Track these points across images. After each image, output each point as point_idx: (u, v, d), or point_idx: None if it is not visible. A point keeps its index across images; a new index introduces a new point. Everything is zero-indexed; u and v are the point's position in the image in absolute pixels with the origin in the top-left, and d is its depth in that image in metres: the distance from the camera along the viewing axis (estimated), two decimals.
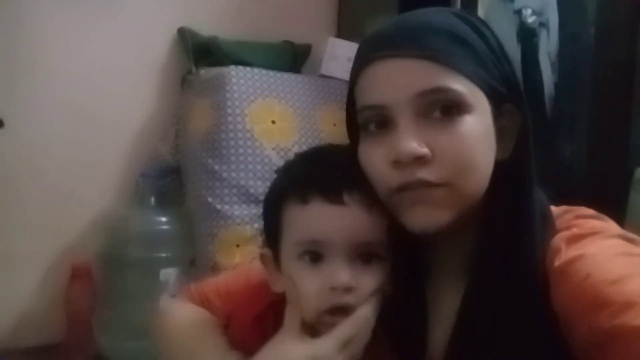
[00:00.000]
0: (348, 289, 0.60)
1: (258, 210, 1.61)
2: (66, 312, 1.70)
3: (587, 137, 1.72)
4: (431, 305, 0.68)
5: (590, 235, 0.59)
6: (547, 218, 0.64)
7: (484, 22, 0.63)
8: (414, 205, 0.58)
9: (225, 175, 1.66)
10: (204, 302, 0.81)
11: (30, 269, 1.78)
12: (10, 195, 1.75)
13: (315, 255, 0.62)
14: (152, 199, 1.77)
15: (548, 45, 2.03)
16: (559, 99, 1.87)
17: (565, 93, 1.87)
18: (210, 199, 1.66)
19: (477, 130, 0.58)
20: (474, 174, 0.59)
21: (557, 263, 0.58)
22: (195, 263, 1.78)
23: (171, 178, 1.87)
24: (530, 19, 1.99)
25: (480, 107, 0.59)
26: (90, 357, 1.67)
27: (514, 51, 1.94)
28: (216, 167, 1.67)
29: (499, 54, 0.61)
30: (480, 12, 1.83)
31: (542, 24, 2.02)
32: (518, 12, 1.98)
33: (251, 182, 1.66)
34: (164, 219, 1.75)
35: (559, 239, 0.60)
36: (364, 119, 0.62)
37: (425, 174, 0.57)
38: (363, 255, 0.62)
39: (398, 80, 0.57)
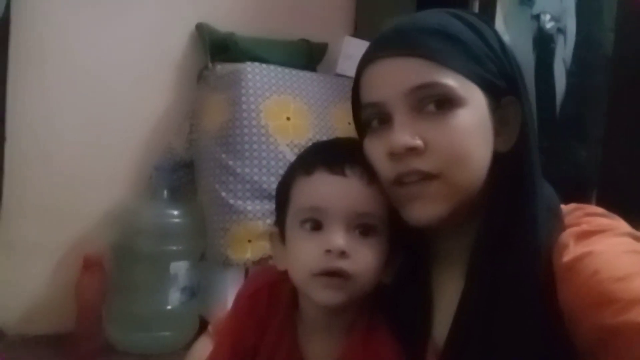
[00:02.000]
0: (342, 254, 0.63)
1: (271, 206, 1.62)
2: (77, 302, 1.70)
3: (602, 141, 1.72)
4: (435, 293, 0.71)
5: (600, 232, 0.60)
6: (555, 213, 0.65)
7: (484, 21, 0.67)
8: (410, 200, 0.62)
9: (239, 170, 1.66)
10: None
11: (43, 258, 1.80)
12: (24, 185, 1.77)
13: (315, 223, 0.65)
14: (165, 192, 1.78)
15: (564, 52, 2.02)
16: (573, 103, 1.86)
17: (580, 98, 1.87)
18: (223, 194, 1.67)
19: (470, 123, 0.62)
20: (467, 165, 0.62)
21: (564, 259, 0.59)
22: (205, 257, 1.78)
23: (184, 172, 1.87)
24: (549, 25, 1.99)
25: (473, 100, 0.62)
26: (99, 347, 1.68)
27: (529, 56, 1.93)
28: (230, 162, 1.67)
29: (498, 50, 0.65)
30: (499, 16, 1.83)
31: (560, 30, 2.01)
32: (536, 17, 1.97)
33: (264, 178, 1.66)
34: (175, 213, 1.76)
35: (567, 235, 0.61)
36: (366, 116, 0.67)
37: (418, 164, 0.61)
38: (361, 227, 0.65)
39: (393, 78, 0.63)
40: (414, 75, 0.61)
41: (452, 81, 0.61)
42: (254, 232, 1.64)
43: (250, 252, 1.64)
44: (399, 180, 0.62)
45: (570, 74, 1.90)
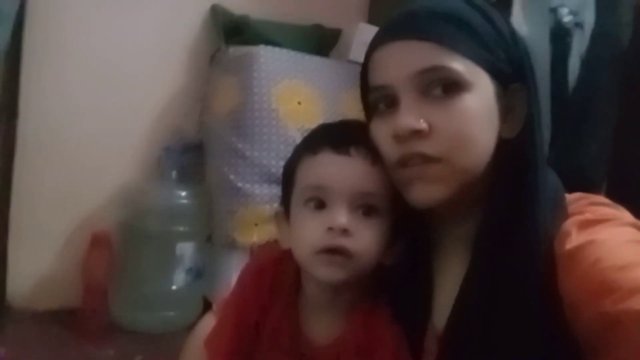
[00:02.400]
0: (344, 232, 0.63)
1: (279, 190, 1.61)
2: (84, 279, 1.72)
3: (612, 135, 1.70)
4: (437, 277, 0.71)
5: (603, 221, 0.60)
6: (559, 201, 0.65)
7: (495, 9, 0.66)
8: (412, 181, 0.62)
9: (248, 153, 1.67)
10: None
11: (52, 234, 1.82)
12: (37, 162, 1.78)
13: (319, 202, 0.66)
14: (174, 173, 1.79)
15: (580, 46, 1.99)
16: (585, 97, 1.84)
17: (592, 91, 1.84)
18: (232, 177, 1.67)
19: (476, 108, 0.61)
20: (470, 149, 0.62)
21: (567, 247, 0.59)
22: (211, 239, 1.79)
23: (193, 154, 1.88)
24: (566, 19, 1.96)
25: (480, 85, 0.62)
26: (103, 323, 1.70)
27: (545, 49, 1.91)
28: (239, 145, 1.67)
29: (507, 36, 0.65)
30: (516, 7, 1.81)
31: (578, 24, 1.98)
32: (554, 10, 1.94)
33: (273, 162, 1.66)
34: (183, 194, 1.76)
35: (570, 223, 0.61)
36: (374, 99, 0.67)
37: (422, 147, 0.61)
38: (364, 207, 0.65)
39: (399, 61, 0.63)
40: (422, 59, 0.61)
41: (460, 65, 0.61)
42: (261, 215, 1.65)
43: (256, 236, 1.65)
44: (402, 162, 0.63)
45: (583, 67, 1.88)
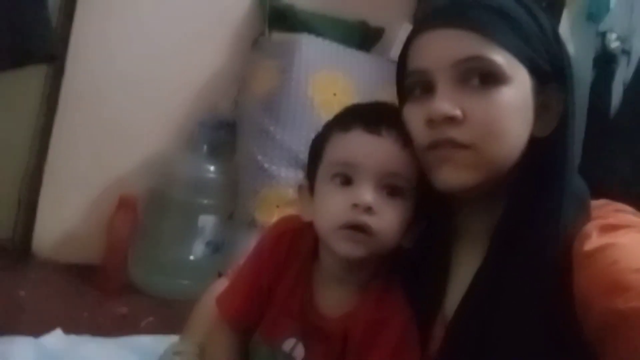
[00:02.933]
0: (368, 210, 0.64)
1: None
2: (107, 238, 1.78)
3: None
4: (453, 266, 0.72)
5: (625, 227, 0.60)
6: (583, 204, 0.65)
7: (541, 7, 0.67)
8: (441, 163, 0.63)
9: (278, 136, 1.70)
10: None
11: (82, 191, 1.88)
12: (76, 120, 1.85)
13: (345, 178, 0.66)
14: (205, 147, 1.83)
15: (626, 73, 1.96)
16: (623, 115, 1.81)
17: (630, 110, 1.82)
18: (259, 157, 1.71)
19: (512, 101, 0.62)
20: (501, 141, 0.62)
21: (585, 248, 0.59)
22: (233, 217, 1.83)
23: (226, 131, 1.92)
24: (614, 44, 1.92)
25: (519, 80, 0.62)
26: (121, 282, 1.76)
27: (587, 72, 1.89)
28: (271, 128, 1.71)
29: (550, 36, 0.65)
30: (564, 27, 1.79)
31: (625, 51, 1.95)
32: (602, 35, 1.91)
33: (302, 148, 1.69)
34: (212, 168, 1.81)
35: (592, 226, 0.61)
36: (410, 83, 0.67)
37: (454, 133, 0.61)
38: (389, 187, 0.66)
39: (441, 48, 0.63)
40: (463, 48, 0.61)
41: (500, 58, 0.61)
42: (283, 197, 1.67)
43: (276, 217, 1.67)
44: (432, 147, 0.63)
45: (626, 90, 1.85)
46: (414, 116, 0.65)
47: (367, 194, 0.64)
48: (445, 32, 0.63)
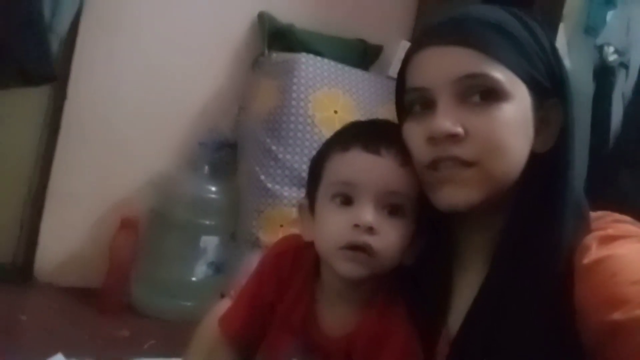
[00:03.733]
0: (370, 230, 0.64)
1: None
2: (109, 259, 1.77)
3: None
4: (456, 282, 0.71)
5: (624, 237, 0.60)
6: (582, 217, 0.65)
7: (538, 22, 0.67)
8: (443, 183, 0.62)
9: (280, 156, 1.70)
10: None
11: (84, 213, 1.88)
12: (77, 142, 1.85)
13: (346, 198, 0.66)
14: (206, 167, 1.84)
15: (625, 86, 1.97)
16: (624, 132, 1.81)
17: (631, 128, 1.82)
18: (262, 177, 1.71)
19: (513, 117, 0.62)
20: (504, 158, 0.62)
21: (585, 260, 0.59)
22: (235, 237, 1.82)
23: (227, 151, 1.93)
24: (611, 57, 1.94)
25: (519, 96, 0.62)
26: (122, 305, 1.74)
27: (588, 85, 1.90)
28: (273, 147, 1.71)
29: (549, 51, 0.65)
30: (561, 41, 1.80)
31: (623, 64, 1.96)
32: (600, 48, 1.93)
33: (304, 167, 1.69)
34: (213, 189, 1.81)
35: (591, 238, 0.61)
36: (410, 100, 0.67)
37: (456, 151, 0.61)
38: (390, 206, 0.66)
39: (440, 65, 0.62)
40: (464, 65, 0.61)
41: (500, 74, 0.61)
42: (287, 217, 1.67)
43: (280, 237, 1.67)
44: (434, 165, 0.63)
45: (628, 104, 1.86)
46: (414, 134, 0.65)
47: (368, 214, 0.64)
48: (445, 49, 0.63)
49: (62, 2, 1.57)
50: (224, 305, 0.84)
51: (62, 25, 1.60)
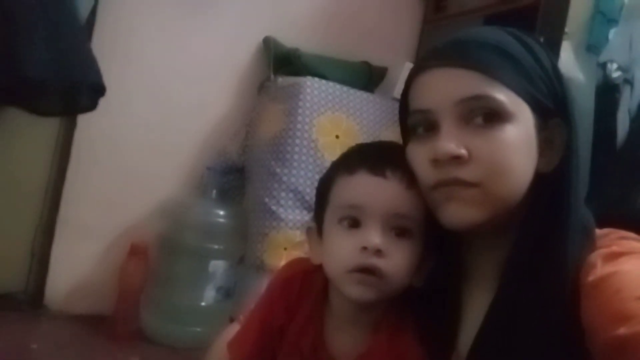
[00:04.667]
0: (378, 252, 0.64)
1: (311, 217, 1.65)
2: (119, 286, 1.78)
3: None
4: (465, 303, 0.71)
5: (628, 254, 0.60)
6: (588, 235, 0.65)
7: (540, 44, 0.68)
8: (448, 201, 0.63)
9: (285, 178, 1.71)
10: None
11: (93, 240, 1.89)
12: (87, 170, 1.88)
13: (353, 221, 0.67)
14: (214, 192, 1.85)
15: (630, 102, 1.97)
16: (633, 149, 1.81)
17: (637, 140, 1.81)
18: (266, 199, 1.72)
19: (516, 139, 0.62)
20: (507, 179, 0.62)
21: (590, 278, 0.59)
22: (244, 261, 1.82)
23: (235, 176, 1.94)
24: (615, 74, 1.94)
25: (522, 117, 0.63)
26: (132, 331, 1.74)
27: (590, 103, 1.90)
28: (277, 170, 1.72)
29: (550, 72, 0.65)
30: (564, 60, 1.81)
31: (627, 81, 1.96)
32: (602, 66, 1.93)
33: (308, 190, 1.70)
34: (221, 213, 1.81)
35: (596, 256, 0.61)
36: (413, 122, 0.68)
37: (460, 173, 0.61)
38: (397, 228, 0.66)
39: (443, 87, 0.63)
40: (466, 87, 0.62)
41: (503, 96, 0.61)
42: (291, 240, 1.68)
43: (284, 260, 1.67)
44: (438, 186, 0.63)
45: (632, 120, 1.85)
46: (418, 156, 0.66)
47: (375, 236, 0.65)
48: (448, 71, 0.64)
49: None
50: (233, 329, 0.84)
51: None
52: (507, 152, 0.61)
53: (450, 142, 0.61)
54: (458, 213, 0.62)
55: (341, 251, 0.66)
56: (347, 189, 0.68)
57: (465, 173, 0.61)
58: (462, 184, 0.61)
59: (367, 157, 0.69)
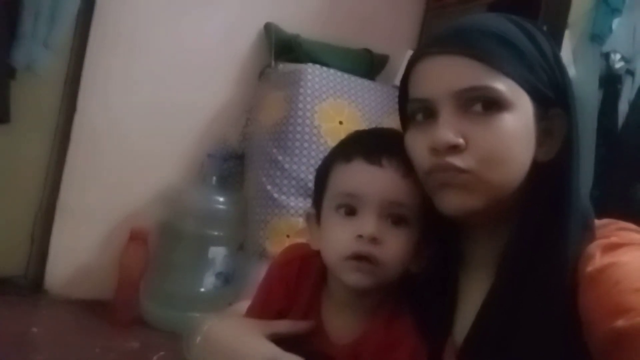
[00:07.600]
0: (373, 240, 0.65)
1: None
2: (119, 272, 1.78)
3: None
4: (462, 292, 0.71)
5: (627, 245, 0.60)
6: (587, 225, 0.65)
7: (541, 31, 0.67)
8: (442, 187, 0.63)
9: (287, 166, 1.71)
10: None
11: (94, 226, 1.90)
12: (87, 155, 1.88)
13: (350, 209, 0.67)
14: (214, 179, 1.85)
15: (631, 93, 1.97)
16: (633, 140, 1.80)
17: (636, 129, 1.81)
18: (269, 187, 1.72)
19: (514, 128, 0.62)
20: (504, 168, 0.62)
21: (589, 269, 0.59)
22: (243, 247, 1.83)
23: (235, 163, 1.94)
24: (618, 65, 1.94)
25: (521, 106, 0.62)
26: (132, 316, 1.75)
27: (594, 93, 1.89)
28: (279, 158, 1.72)
29: (552, 61, 0.65)
30: (567, 49, 1.81)
31: (629, 71, 1.96)
32: (605, 56, 1.93)
33: (310, 177, 1.70)
34: (221, 200, 1.82)
35: (594, 246, 0.61)
36: (412, 110, 0.67)
37: (456, 160, 0.61)
38: (393, 216, 0.66)
39: (444, 76, 0.63)
40: (466, 76, 0.61)
41: (503, 85, 0.61)
42: (293, 227, 1.68)
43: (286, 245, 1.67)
44: (432, 172, 0.63)
45: (629, 110, 1.85)
46: (417, 143, 0.65)
47: (370, 225, 0.65)
48: (447, 59, 0.63)
49: (57, 18, 1.64)
50: (244, 304, 0.84)
51: (56, 41, 1.67)
52: (504, 141, 0.61)
53: (448, 132, 0.61)
54: (453, 199, 0.62)
55: (338, 239, 0.67)
56: (344, 177, 0.68)
57: (460, 161, 0.61)
58: (456, 169, 0.61)
59: (364, 145, 0.69)
